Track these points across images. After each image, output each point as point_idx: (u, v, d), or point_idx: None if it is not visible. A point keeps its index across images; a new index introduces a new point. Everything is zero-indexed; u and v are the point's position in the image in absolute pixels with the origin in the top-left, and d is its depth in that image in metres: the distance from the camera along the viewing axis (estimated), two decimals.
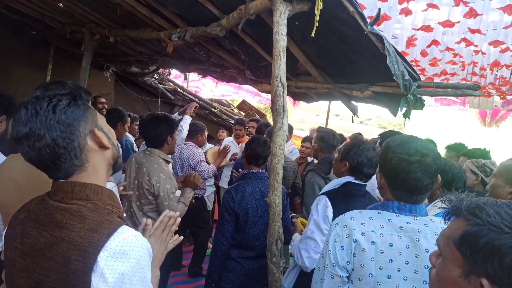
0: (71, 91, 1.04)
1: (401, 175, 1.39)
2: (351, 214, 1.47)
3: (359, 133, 7.04)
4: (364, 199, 2.22)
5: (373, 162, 2.18)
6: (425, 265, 1.35)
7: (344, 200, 2.16)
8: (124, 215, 1.29)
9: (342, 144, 2.37)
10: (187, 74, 5.15)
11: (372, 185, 2.85)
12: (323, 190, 2.31)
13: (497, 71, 6.11)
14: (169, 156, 2.98)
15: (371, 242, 1.36)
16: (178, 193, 2.97)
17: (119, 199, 1.31)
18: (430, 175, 1.38)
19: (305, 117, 29.55)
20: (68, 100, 1.01)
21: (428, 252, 1.36)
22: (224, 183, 5.33)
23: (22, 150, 1.01)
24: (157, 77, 7.39)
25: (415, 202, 1.43)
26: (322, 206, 2.15)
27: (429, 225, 1.40)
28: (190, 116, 4.65)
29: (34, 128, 0.97)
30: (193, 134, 4.46)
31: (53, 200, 1.03)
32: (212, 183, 5.18)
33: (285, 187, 3.03)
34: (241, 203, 2.65)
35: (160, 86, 7.37)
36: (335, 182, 2.25)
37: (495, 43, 4.47)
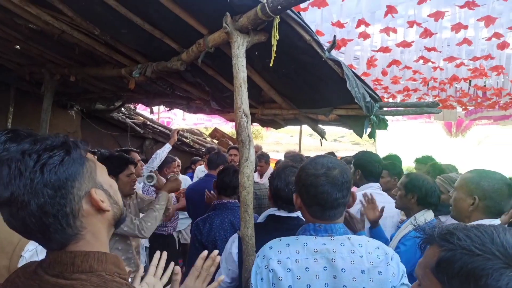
0: (65, 141, 0.88)
1: (311, 189, 1.43)
2: (270, 243, 1.49)
3: (332, 152, 7.15)
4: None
5: (291, 186, 2.05)
6: (343, 286, 1.35)
7: (269, 234, 1.90)
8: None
9: None
10: (152, 108, 5.09)
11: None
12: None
13: (456, 84, 6.38)
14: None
15: (287, 269, 1.37)
16: None
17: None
18: (338, 187, 1.41)
19: (279, 139, 29.80)
20: (61, 156, 0.84)
21: (344, 272, 1.36)
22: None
23: (4, 217, 0.85)
24: (125, 112, 7.28)
25: (329, 219, 1.44)
26: (229, 242, 2.07)
27: (345, 243, 1.41)
28: (175, 141, 4.60)
29: (17, 193, 0.80)
30: (160, 167, 4.38)
31: (49, 275, 0.85)
32: (188, 215, 5.06)
33: (257, 215, 2.98)
34: (208, 234, 2.59)
35: (129, 120, 7.26)
36: (263, 215, 2.23)
37: (450, 59, 4.67)
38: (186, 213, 4.88)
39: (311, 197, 1.44)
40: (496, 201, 1.92)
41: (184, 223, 5.06)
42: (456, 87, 6.88)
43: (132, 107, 6.93)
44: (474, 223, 1.93)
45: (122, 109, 6.91)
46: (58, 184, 0.83)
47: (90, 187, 0.89)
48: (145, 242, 4.37)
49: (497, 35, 3.79)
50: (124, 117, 7.22)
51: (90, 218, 0.89)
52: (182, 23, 2.34)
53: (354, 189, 2.96)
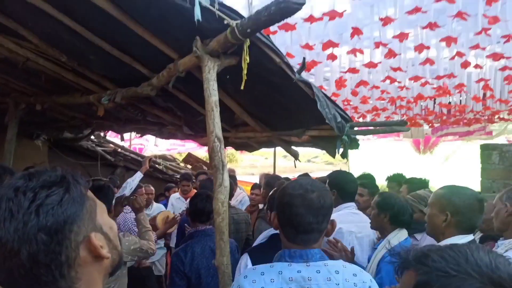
0: (63, 175, 0.76)
1: (286, 209, 1.40)
2: (246, 272, 1.47)
3: (306, 173, 7.18)
4: None
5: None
6: None
7: (271, 255, 2.02)
8: None
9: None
10: (123, 135, 4.98)
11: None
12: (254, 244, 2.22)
13: (422, 102, 6.62)
14: None
15: None
16: None
17: None
18: (314, 212, 1.37)
19: (254, 162, 29.77)
20: (60, 195, 0.73)
21: None
22: (173, 243, 5.05)
23: None
24: (95, 140, 7.10)
25: (303, 244, 1.39)
26: (243, 266, 2.00)
27: (321, 270, 1.36)
28: (147, 169, 4.46)
29: (6, 239, 0.68)
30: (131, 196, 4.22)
31: None
32: (162, 245, 4.89)
33: (234, 241, 2.92)
34: (191, 264, 2.50)
35: (99, 148, 7.07)
36: (263, 235, 2.19)
37: (415, 78, 4.85)
38: (160, 243, 4.72)
39: (287, 217, 1.40)
40: (468, 216, 1.95)
41: (158, 253, 4.87)
42: (422, 106, 7.14)
43: (102, 134, 6.76)
44: (448, 240, 1.97)
45: (92, 137, 6.74)
46: (55, 228, 0.71)
47: (89, 231, 0.76)
48: None
49: (459, 54, 3.98)
50: (94, 145, 7.03)
51: (87, 267, 0.76)
52: (152, 48, 2.32)
53: None
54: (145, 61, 2.61)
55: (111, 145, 7.43)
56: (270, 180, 3.52)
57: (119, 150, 7.43)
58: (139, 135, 5.01)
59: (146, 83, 2.64)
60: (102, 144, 7.26)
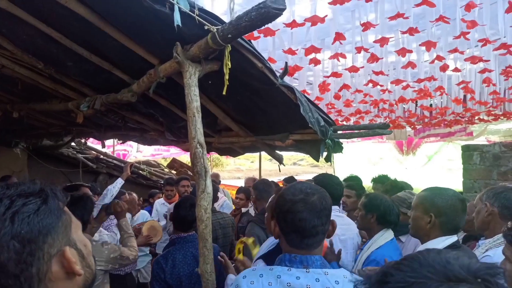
0: (42, 188, 0.76)
1: (289, 216, 1.38)
2: (245, 272, 1.46)
3: (292, 176, 7.18)
4: None
5: None
6: None
7: None
8: None
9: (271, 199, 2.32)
10: (104, 142, 4.89)
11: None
12: (260, 252, 2.20)
13: (404, 105, 6.71)
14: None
15: None
16: None
17: None
18: (316, 214, 1.36)
19: (240, 166, 29.73)
20: (37, 205, 0.72)
21: None
22: (160, 249, 4.97)
23: None
24: (76, 146, 6.96)
25: (307, 248, 1.38)
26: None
27: (321, 279, 1.33)
28: (128, 175, 4.37)
29: None
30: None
31: None
32: (147, 252, 4.80)
33: (217, 246, 2.88)
34: (172, 272, 2.46)
35: (80, 155, 6.94)
36: (271, 241, 2.16)
37: (397, 81, 4.91)
38: (145, 250, 4.64)
39: (289, 224, 1.38)
40: (451, 217, 1.97)
41: (143, 260, 4.78)
42: (404, 108, 7.24)
43: (83, 141, 6.64)
44: (433, 241, 1.98)
45: (73, 144, 6.61)
46: (29, 237, 0.69)
47: (63, 245, 0.74)
48: None
49: (439, 58, 4.04)
50: (75, 152, 6.90)
51: (58, 283, 0.73)
52: (132, 53, 2.28)
53: None
54: (125, 67, 2.56)
55: (93, 151, 7.31)
56: (259, 185, 3.51)
57: (101, 156, 7.32)
58: (121, 141, 4.92)
59: (126, 89, 2.59)
60: (84, 151, 7.13)
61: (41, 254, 0.70)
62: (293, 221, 1.36)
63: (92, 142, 7.42)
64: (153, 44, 2.21)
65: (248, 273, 1.44)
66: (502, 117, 7.59)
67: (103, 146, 5.05)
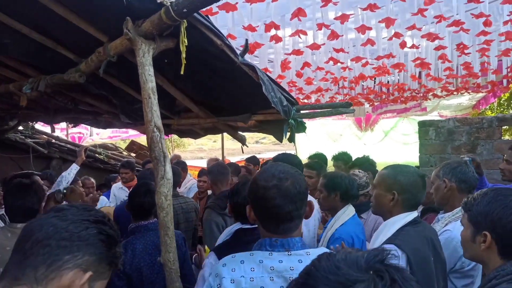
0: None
1: (262, 203, 1.34)
2: (224, 260, 1.39)
3: (254, 156, 7.15)
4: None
5: None
6: None
7: (237, 252, 1.94)
8: None
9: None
10: (54, 126, 4.58)
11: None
12: (218, 241, 2.14)
13: (363, 82, 6.81)
14: None
15: None
16: None
17: None
18: (290, 199, 1.32)
19: (202, 146, 29.42)
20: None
21: None
22: None
23: None
24: (25, 131, 6.51)
25: (284, 233, 1.35)
26: (208, 265, 1.87)
27: (303, 260, 1.31)
28: (83, 160, 4.16)
29: None
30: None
31: None
32: None
33: (181, 233, 2.80)
34: (132, 262, 2.37)
35: (29, 140, 6.50)
36: (227, 232, 2.11)
37: (357, 59, 4.93)
38: None
39: (264, 210, 1.35)
40: (413, 193, 2.00)
41: None
42: (363, 85, 7.35)
43: (31, 125, 6.22)
44: (395, 218, 2.01)
45: (20, 128, 6.17)
46: None
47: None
48: None
49: (397, 35, 4.07)
50: (24, 137, 6.46)
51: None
52: (78, 30, 2.09)
53: None
54: (71, 45, 2.35)
55: (44, 136, 6.88)
56: (213, 169, 3.45)
57: (53, 141, 6.91)
58: (73, 125, 4.64)
59: (73, 69, 2.38)
60: (33, 135, 6.70)
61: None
62: (267, 207, 1.33)
63: (43, 126, 6.98)
64: (101, 20, 2.03)
65: (227, 260, 1.38)
66: (455, 93, 7.90)
67: (53, 130, 4.74)
